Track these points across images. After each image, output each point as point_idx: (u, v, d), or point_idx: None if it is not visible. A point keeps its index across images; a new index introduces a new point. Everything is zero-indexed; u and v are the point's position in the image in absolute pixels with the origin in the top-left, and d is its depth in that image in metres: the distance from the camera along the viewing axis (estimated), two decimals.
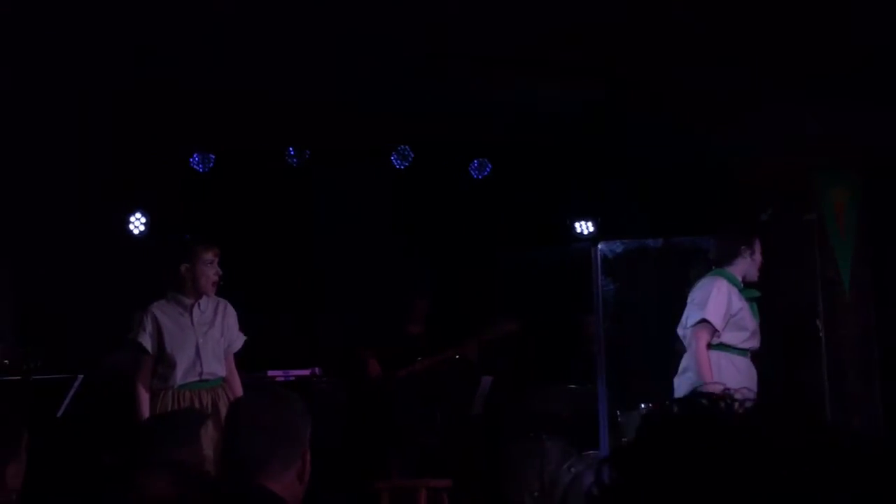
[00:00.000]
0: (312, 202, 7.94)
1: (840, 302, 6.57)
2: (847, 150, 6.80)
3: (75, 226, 7.29)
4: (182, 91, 6.57)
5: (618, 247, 6.54)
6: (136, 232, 7.51)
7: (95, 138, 7.17)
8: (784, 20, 5.65)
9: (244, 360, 5.71)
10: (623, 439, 6.55)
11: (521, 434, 7.27)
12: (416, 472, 6.96)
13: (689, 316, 5.57)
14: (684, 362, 5.59)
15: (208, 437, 4.77)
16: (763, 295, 5.76)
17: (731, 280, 5.61)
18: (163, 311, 5.32)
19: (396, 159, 7.81)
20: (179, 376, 5.25)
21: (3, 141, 6.87)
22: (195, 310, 5.36)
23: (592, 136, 7.41)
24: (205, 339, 5.33)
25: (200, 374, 5.30)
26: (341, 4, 5.54)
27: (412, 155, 7.83)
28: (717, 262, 5.69)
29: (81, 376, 5.76)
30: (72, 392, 5.71)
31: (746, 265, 5.64)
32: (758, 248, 5.66)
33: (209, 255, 5.37)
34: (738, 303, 5.56)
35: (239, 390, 5.40)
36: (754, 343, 5.59)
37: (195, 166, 7.59)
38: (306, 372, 7.06)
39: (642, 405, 6.47)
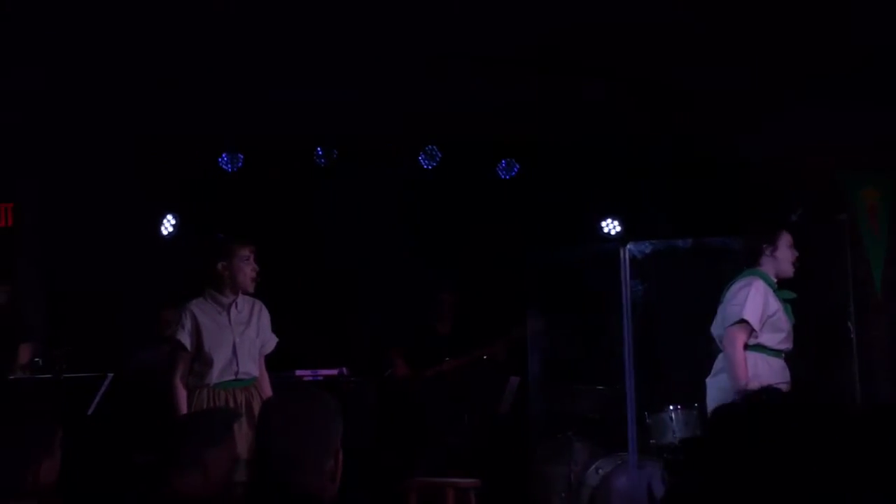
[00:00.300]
0: (340, 202, 7.95)
1: (872, 303, 6.52)
2: (878, 149, 6.76)
3: (105, 226, 7.34)
4: (211, 91, 6.60)
5: (646, 247, 6.50)
6: (165, 232, 7.55)
7: (124, 139, 7.22)
8: (814, 19, 5.62)
9: (273, 360, 5.72)
10: (651, 441, 6.52)
11: (548, 434, 7.26)
12: (443, 472, 6.96)
13: (727, 316, 5.51)
14: (719, 363, 5.53)
15: (242, 435, 4.79)
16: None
17: (766, 280, 5.55)
18: (201, 310, 5.35)
19: (424, 159, 7.82)
20: (216, 375, 5.28)
21: (36, 144, 6.93)
22: (233, 309, 5.39)
23: (621, 137, 7.40)
24: (241, 339, 5.36)
25: (236, 373, 5.32)
26: (371, 3, 5.54)
27: (440, 155, 7.83)
28: (746, 263, 5.64)
29: (111, 375, 5.79)
30: (102, 391, 5.74)
31: (772, 263, 5.56)
32: (783, 244, 5.55)
33: (245, 252, 5.41)
34: (775, 304, 5.49)
35: (268, 391, 5.42)
36: (789, 345, 5.54)
37: (224, 166, 7.63)
38: (334, 371, 7.07)
39: (670, 406, 6.43)
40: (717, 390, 5.46)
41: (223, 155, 7.60)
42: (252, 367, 5.39)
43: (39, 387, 5.43)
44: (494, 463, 7.40)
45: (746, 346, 5.40)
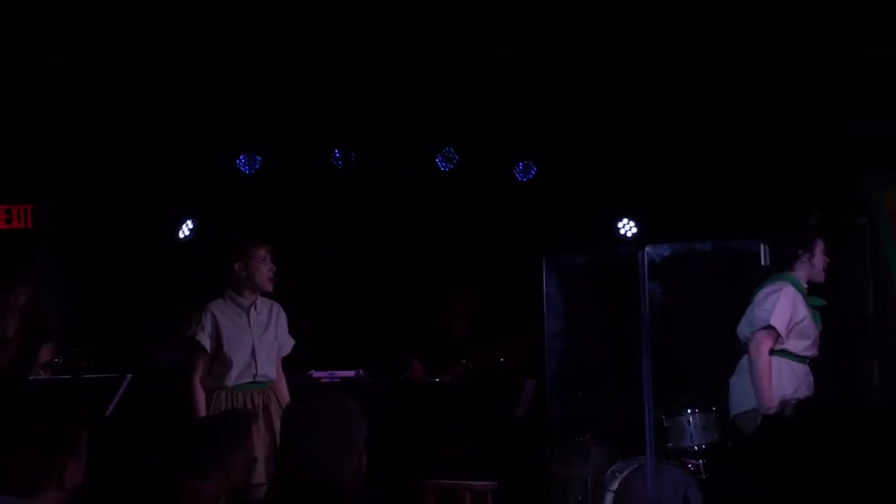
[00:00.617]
0: (358, 204, 7.96)
1: (892, 307, 6.49)
2: None
3: (124, 227, 7.36)
4: (228, 94, 6.62)
5: (665, 250, 6.48)
6: (181, 235, 7.57)
7: (142, 141, 7.24)
8: (834, 18, 5.60)
9: (289, 361, 5.73)
10: (669, 444, 6.50)
11: (566, 437, 7.24)
12: (460, 474, 6.95)
13: (754, 320, 5.50)
14: (744, 364, 5.53)
15: (259, 437, 4.79)
16: None
17: (797, 285, 5.54)
18: (221, 311, 5.36)
19: (441, 161, 7.81)
20: (234, 376, 5.29)
21: (55, 146, 6.95)
22: (252, 311, 5.41)
23: (641, 138, 7.38)
24: (260, 341, 5.37)
25: (255, 375, 5.33)
26: (389, 5, 5.55)
27: (457, 157, 7.83)
28: (777, 267, 5.62)
29: (130, 376, 5.80)
30: (121, 391, 5.75)
31: (807, 269, 5.57)
32: (818, 250, 5.58)
33: (262, 252, 5.42)
34: (803, 310, 5.49)
35: (285, 393, 5.43)
36: (814, 351, 5.53)
37: (241, 168, 7.64)
38: (351, 373, 7.07)
39: (688, 410, 6.42)
40: (740, 390, 5.45)
41: (241, 157, 7.61)
42: (270, 369, 5.40)
43: (63, 387, 5.44)
44: (511, 465, 7.38)
45: (772, 351, 5.40)
